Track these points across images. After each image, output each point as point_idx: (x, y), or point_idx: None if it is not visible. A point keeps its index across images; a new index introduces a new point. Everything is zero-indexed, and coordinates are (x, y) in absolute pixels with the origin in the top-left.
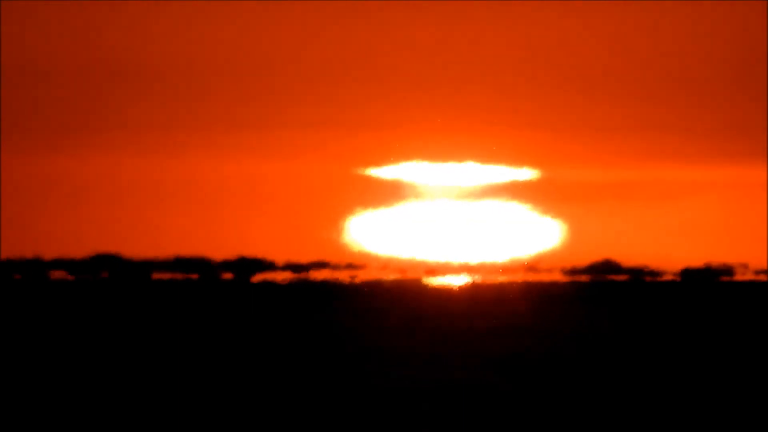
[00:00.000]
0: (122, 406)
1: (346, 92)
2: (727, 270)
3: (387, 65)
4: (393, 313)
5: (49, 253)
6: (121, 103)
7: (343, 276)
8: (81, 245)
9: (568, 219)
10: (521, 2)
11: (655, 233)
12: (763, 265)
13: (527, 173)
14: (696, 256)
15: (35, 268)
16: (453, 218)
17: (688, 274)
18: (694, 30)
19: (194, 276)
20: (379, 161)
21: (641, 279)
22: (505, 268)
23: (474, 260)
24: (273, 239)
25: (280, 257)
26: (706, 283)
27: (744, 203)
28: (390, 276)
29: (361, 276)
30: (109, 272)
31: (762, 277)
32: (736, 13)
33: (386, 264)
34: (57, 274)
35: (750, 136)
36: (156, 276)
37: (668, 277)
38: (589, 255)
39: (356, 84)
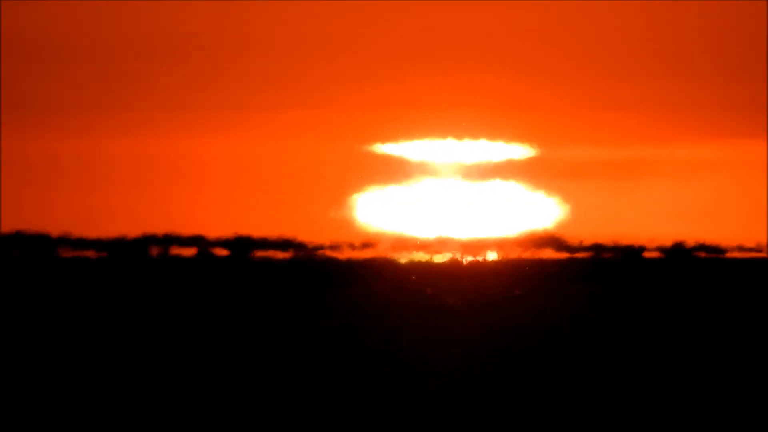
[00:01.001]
0: (120, 389)
1: (351, 72)
2: (729, 248)
3: (390, 45)
4: (398, 291)
5: (52, 230)
6: (128, 83)
7: (349, 254)
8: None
9: (571, 196)
10: None
11: (655, 211)
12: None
13: (529, 151)
14: (696, 233)
15: (34, 243)
16: (459, 196)
17: (685, 251)
18: (694, 7)
19: (191, 252)
20: (385, 138)
21: (641, 256)
22: (509, 245)
23: (478, 237)
24: (279, 217)
25: (283, 234)
26: (706, 260)
27: (747, 181)
28: (396, 254)
29: (367, 254)
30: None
31: (760, 254)
32: None
33: (393, 241)
34: (58, 251)
35: (751, 114)
36: (156, 252)
37: (667, 255)
38: (594, 233)
39: (359, 64)
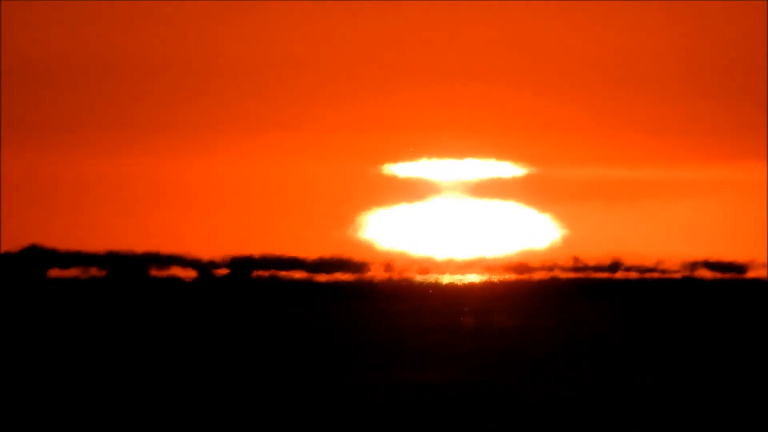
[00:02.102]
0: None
1: (357, 94)
2: (735, 267)
3: (397, 66)
4: (405, 311)
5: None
6: (137, 102)
7: (358, 274)
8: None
9: (572, 217)
10: (521, 2)
11: (655, 232)
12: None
13: (531, 170)
14: (696, 254)
15: (33, 261)
16: (465, 215)
17: (690, 270)
18: (693, 28)
19: (194, 274)
20: (393, 159)
21: (643, 277)
22: (515, 266)
23: (486, 256)
24: (291, 237)
25: (296, 254)
26: (710, 281)
27: (745, 203)
28: (404, 273)
29: (376, 273)
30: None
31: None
32: (736, 11)
33: (401, 261)
34: (54, 272)
35: (749, 136)
36: (169, 272)
37: (669, 275)
38: (597, 252)
39: (364, 86)
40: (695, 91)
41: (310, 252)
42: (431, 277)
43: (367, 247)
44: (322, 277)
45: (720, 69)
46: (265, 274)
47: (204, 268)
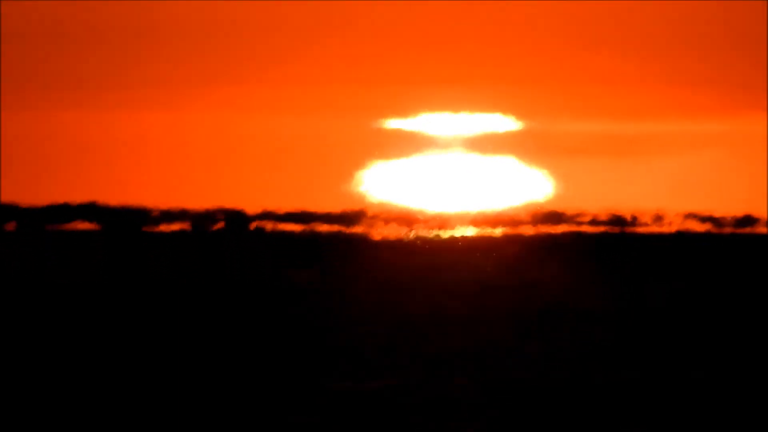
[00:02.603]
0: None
1: (355, 49)
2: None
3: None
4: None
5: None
6: (140, 58)
7: (355, 228)
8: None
9: (571, 172)
10: None
11: (652, 187)
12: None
13: (526, 125)
14: (695, 209)
15: (28, 215)
16: (463, 169)
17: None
18: None
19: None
20: (392, 113)
21: (639, 231)
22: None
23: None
24: (288, 191)
25: (293, 207)
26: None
27: (745, 156)
28: (402, 227)
29: (374, 227)
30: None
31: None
32: None
33: (398, 214)
34: (50, 225)
35: (749, 88)
36: (165, 228)
37: (664, 229)
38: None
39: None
40: (694, 42)
41: (309, 205)
42: (427, 232)
43: (366, 201)
44: (322, 228)
45: (718, 19)
46: (266, 225)
47: (198, 221)
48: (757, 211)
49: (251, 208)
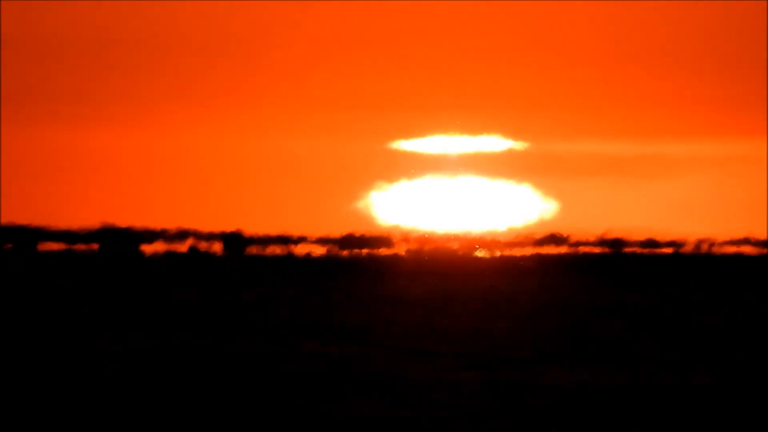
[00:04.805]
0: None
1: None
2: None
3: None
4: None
5: (41, 222)
6: (133, 75)
7: (368, 249)
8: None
9: (572, 193)
10: None
11: (650, 208)
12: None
13: (525, 145)
14: (693, 231)
15: (26, 236)
16: (462, 190)
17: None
18: (693, 2)
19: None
20: (403, 135)
21: (639, 252)
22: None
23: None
24: (302, 214)
25: (306, 231)
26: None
27: (744, 178)
28: (413, 247)
29: (386, 249)
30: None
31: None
32: None
33: (410, 236)
34: (47, 245)
35: (749, 111)
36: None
37: (664, 250)
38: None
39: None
40: (693, 64)
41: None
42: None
43: (374, 223)
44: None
45: (718, 41)
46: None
47: (196, 243)
48: (757, 233)
49: (252, 229)
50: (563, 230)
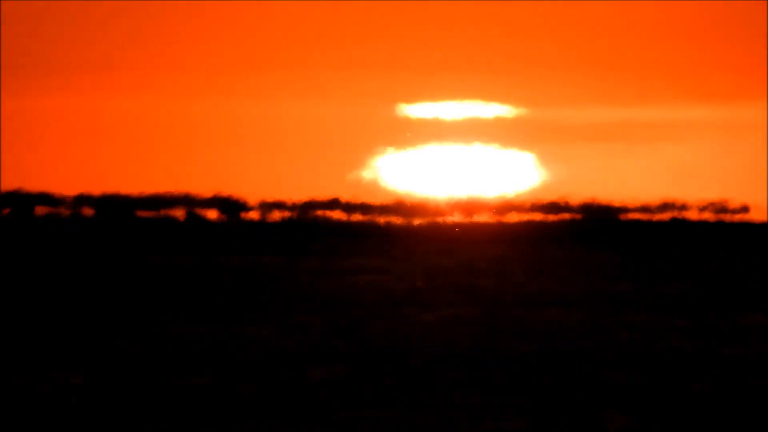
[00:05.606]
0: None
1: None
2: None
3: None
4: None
5: (35, 187)
6: (140, 40)
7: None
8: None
9: (567, 158)
10: None
11: (645, 175)
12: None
13: (521, 111)
14: (689, 197)
15: (21, 202)
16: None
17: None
18: None
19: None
20: (404, 100)
21: (631, 219)
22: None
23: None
24: (299, 179)
25: (303, 196)
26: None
27: (742, 144)
28: (417, 215)
29: (389, 216)
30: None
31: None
32: None
33: (414, 203)
34: (42, 210)
35: (748, 75)
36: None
37: (657, 217)
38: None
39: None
40: (691, 28)
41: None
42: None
43: (376, 189)
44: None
45: (716, 4)
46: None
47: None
48: (757, 199)
49: (255, 196)
50: (565, 197)
